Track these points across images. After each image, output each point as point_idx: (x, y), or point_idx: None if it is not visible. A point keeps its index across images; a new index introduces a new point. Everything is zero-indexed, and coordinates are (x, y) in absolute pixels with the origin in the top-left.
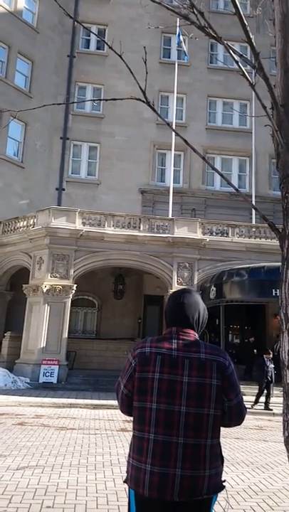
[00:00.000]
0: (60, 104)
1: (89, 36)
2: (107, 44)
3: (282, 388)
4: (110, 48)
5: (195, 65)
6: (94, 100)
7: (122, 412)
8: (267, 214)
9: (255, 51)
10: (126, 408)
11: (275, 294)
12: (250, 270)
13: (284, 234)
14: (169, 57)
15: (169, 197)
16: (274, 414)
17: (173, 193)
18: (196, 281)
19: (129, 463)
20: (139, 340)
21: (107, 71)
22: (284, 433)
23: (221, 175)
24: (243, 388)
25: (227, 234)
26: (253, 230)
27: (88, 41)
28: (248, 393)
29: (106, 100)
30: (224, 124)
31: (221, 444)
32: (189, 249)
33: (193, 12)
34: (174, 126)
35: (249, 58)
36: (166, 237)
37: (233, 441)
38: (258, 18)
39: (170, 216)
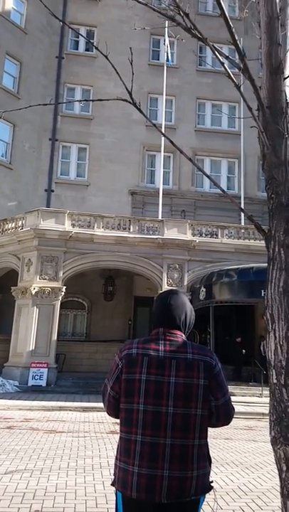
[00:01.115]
0: (46, 104)
1: (78, 37)
2: (93, 45)
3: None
4: (97, 48)
5: (184, 67)
6: (80, 101)
7: (108, 414)
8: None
9: (240, 52)
10: (113, 410)
11: (264, 294)
12: (239, 271)
13: (270, 235)
14: (158, 59)
15: (159, 198)
16: (263, 415)
17: (163, 194)
18: (186, 283)
19: (117, 465)
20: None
21: (96, 72)
22: (270, 433)
23: (208, 176)
24: (232, 388)
25: (216, 235)
26: (242, 231)
27: (77, 42)
28: (238, 393)
29: (92, 101)
30: (213, 126)
31: (211, 445)
32: (179, 251)
33: (179, 13)
34: (163, 128)
35: (237, 60)
36: (156, 238)
37: (222, 442)
38: (246, 21)
39: (160, 217)
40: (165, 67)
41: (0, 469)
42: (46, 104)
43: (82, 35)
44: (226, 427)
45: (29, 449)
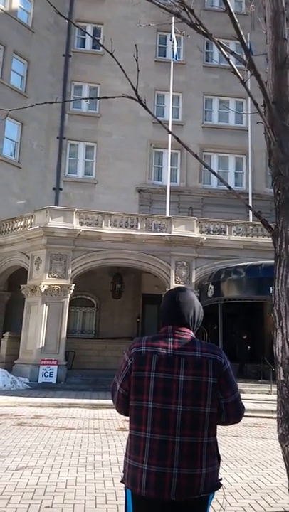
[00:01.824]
0: (52, 102)
1: (84, 35)
2: (99, 43)
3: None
4: (102, 46)
5: (191, 63)
6: (86, 99)
7: (118, 411)
8: (264, 212)
9: (246, 47)
10: (122, 408)
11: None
12: (247, 268)
13: (277, 231)
14: (165, 56)
15: (166, 195)
16: (272, 412)
17: (170, 191)
18: (193, 280)
19: (126, 462)
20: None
21: (103, 70)
22: (278, 430)
23: (214, 173)
24: (241, 386)
25: (224, 232)
26: (250, 227)
27: (84, 40)
28: (247, 391)
29: (98, 99)
30: (220, 122)
31: (220, 442)
32: (187, 248)
33: (185, 10)
34: (170, 125)
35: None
36: (164, 235)
37: (231, 439)
38: (253, 15)
39: (167, 215)
40: (172, 64)
41: (11, 466)
42: (53, 102)
43: (88, 34)
44: (235, 424)
45: (39, 446)
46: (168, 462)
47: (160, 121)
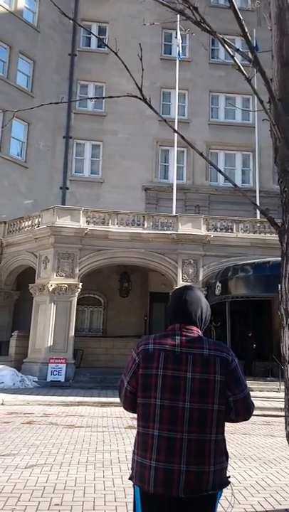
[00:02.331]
0: (58, 103)
1: (90, 34)
2: (104, 43)
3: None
4: (107, 46)
5: (196, 60)
6: (92, 98)
7: (125, 409)
8: (271, 209)
9: (251, 45)
10: (129, 405)
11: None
12: (255, 266)
13: (283, 228)
14: (170, 54)
15: (173, 193)
16: (281, 409)
17: (176, 189)
18: (201, 278)
19: (134, 460)
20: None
21: (109, 69)
22: (286, 428)
23: (220, 171)
24: (249, 384)
25: (231, 229)
26: (258, 225)
27: (89, 39)
28: (255, 388)
29: (103, 98)
30: (227, 119)
31: (229, 440)
32: (194, 246)
33: (189, 7)
34: (176, 123)
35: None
36: (171, 234)
37: (240, 437)
38: (259, 11)
39: (174, 213)
40: (177, 61)
41: (21, 464)
42: (59, 103)
43: (93, 34)
44: (243, 422)
45: (48, 444)
46: (176, 459)
47: (165, 120)
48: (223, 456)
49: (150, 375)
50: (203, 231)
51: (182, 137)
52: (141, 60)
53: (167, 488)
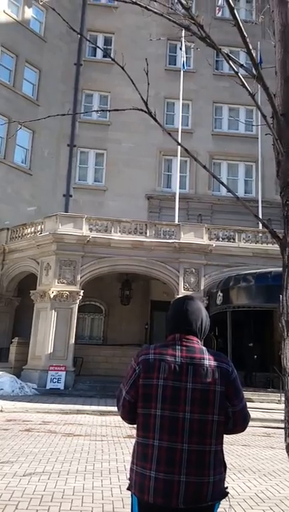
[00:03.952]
0: (64, 115)
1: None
2: (108, 56)
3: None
4: (113, 60)
5: (200, 71)
6: (97, 111)
7: (122, 418)
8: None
9: (255, 61)
10: (127, 414)
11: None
12: (256, 275)
13: (284, 241)
14: (175, 64)
15: (175, 203)
16: (281, 421)
17: (179, 198)
18: (202, 287)
19: (133, 470)
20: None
21: (114, 78)
22: (286, 440)
23: (222, 183)
24: (250, 395)
25: (234, 239)
26: (260, 235)
27: (95, 49)
28: (256, 399)
29: (108, 111)
30: (230, 130)
31: (228, 451)
32: (196, 255)
33: (194, 23)
34: (179, 133)
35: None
36: (173, 242)
37: (239, 448)
38: (263, 24)
39: (176, 222)
40: (182, 72)
41: (19, 471)
42: (65, 115)
43: (98, 47)
44: (243, 433)
45: (47, 452)
46: (176, 470)
47: (169, 133)
48: (221, 466)
49: (151, 386)
50: (205, 240)
51: (186, 150)
52: (147, 74)
53: (167, 499)
